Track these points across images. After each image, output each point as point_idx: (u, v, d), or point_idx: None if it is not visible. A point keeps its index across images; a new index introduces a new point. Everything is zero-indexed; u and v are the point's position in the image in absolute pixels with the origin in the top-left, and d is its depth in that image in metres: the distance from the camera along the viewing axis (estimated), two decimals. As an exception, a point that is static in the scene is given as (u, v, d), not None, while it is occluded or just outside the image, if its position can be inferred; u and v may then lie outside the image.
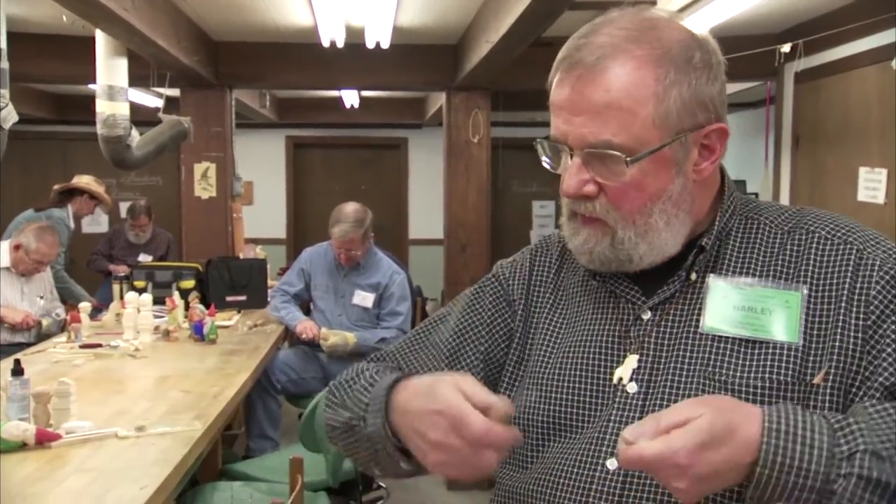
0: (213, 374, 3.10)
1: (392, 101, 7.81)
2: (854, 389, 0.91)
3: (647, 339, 1.00)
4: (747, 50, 4.01)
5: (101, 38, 3.75)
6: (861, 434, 0.82)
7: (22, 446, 2.13)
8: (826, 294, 0.95)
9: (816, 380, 0.92)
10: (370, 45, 4.51)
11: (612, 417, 0.98)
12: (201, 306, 3.88)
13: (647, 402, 0.97)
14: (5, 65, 2.56)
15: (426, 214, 8.42)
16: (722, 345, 0.96)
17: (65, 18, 3.79)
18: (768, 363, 0.93)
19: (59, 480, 1.94)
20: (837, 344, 0.92)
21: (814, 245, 0.98)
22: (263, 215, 8.40)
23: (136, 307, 3.69)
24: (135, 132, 4.07)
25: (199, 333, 3.70)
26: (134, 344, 3.52)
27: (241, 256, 5.08)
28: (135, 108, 4.09)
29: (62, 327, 4.24)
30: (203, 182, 4.93)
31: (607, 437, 0.97)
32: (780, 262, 0.98)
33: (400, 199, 8.91)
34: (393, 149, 8.97)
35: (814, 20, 4.05)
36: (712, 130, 0.97)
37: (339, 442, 1.09)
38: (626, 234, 0.97)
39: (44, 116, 7.16)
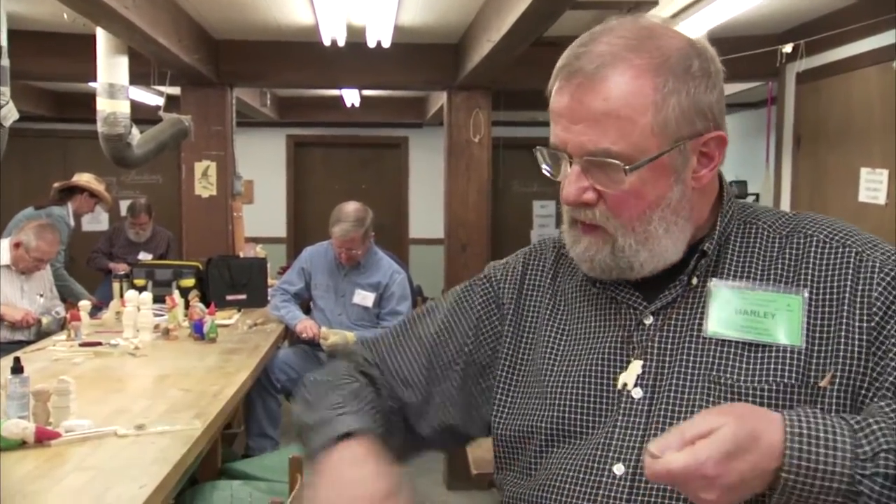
0: (213, 372, 3.10)
1: (393, 101, 7.80)
2: (862, 391, 0.92)
3: (650, 344, 1.00)
4: (749, 50, 4.00)
5: (101, 35, 3.75)
6: (882, 433, 0.82)
7: (21, 444, 2.12)
8: (827, 297, 0.95)
9: (823, 383, 0.92)
10: (371, 44, 4.51)
11: (618, 423, 0.98)
12: (201, 305, 3.87)
13: (653, 408, 0.98)
14: (6, 62, 2.56)
15: (427, 214, 8.42)
16: (725, 349, 0.96)
17: (65, 16, 3.78)
18: (772, 366, 0.94)
19: (59, 479, 1.94)
20: (842, 347, 0.93)
21: (812, 248, 0.99)
22: (264, 214, 8.40)
23: (136, 305, 3.69)
24: (135, 130, 4.07)
25: (198, 332, 3.70)
26: (134, 342, 3.52)
27: (242, 255, 5.08)
28: (135, 107, 4.08)
29: (62, 325, 4.24)
30: (203, 181, 4.93)
31: (614, 442, 0.98)
32: (779, 266, 0.99)
33: (400, 199, 8.90)
34: (393, 148, 8.97)
35: (815, 21, 4.04)
36: (711, 138, 0.97)
37: (299, 433, 1.10)
38: (627, 241, 0.98)
39: (44, 114, 7.15)
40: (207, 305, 3.88)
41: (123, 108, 3.90)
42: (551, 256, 1.15)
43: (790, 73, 4.41)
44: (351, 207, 4.11)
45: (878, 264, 0.95)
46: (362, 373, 1.14)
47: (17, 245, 4.24)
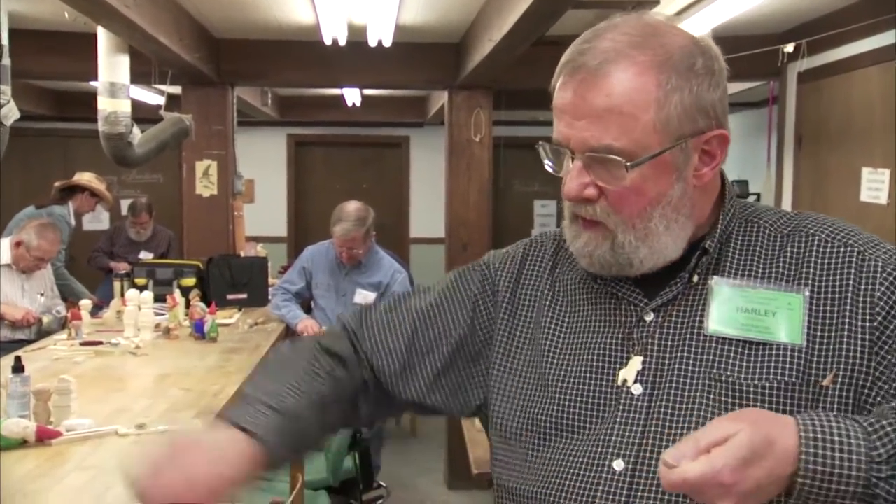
0: (214, 372, 3.10)
1: (394, 100, 7.80)
2: (865, 390, 0.92)
3: (650, 340, 1.00)
4: (750, 50, 4.00)
5: (102, 34, 3.75)
6: None
7: (22, 443, 2.12)
8: (829, 296, 0.96)
9: (825, 382, 0.92)
10: (372, 43, 4.51)
11: (618, 419, 0.99)
12: (202, 304, 3.87)
13: (653, 404, 0.98)
14: (7, 61, 2.56)
15: (427, 213, 8.41)
16: (726, 346, 0.97)
17: (66, 15, 3.78)
18: (773, 365, 0.94)
19: (59, 478, 1.94)
20: (844, 346, 0.93)
21: (814, 248, 0.99)
22: (264, 213, 8.40)
23: (136, 305, 3.69)
24: (136, 129, 4.07)
25: (199, 331, 3.70)
26: (134, 342, 3.52)
27: (242, 254, 5.08)
28: (136, 106, 4.08)
29: (63, 324, 4.24)
30: (204, 180, 4.93)
31: (613, 438, 0.98)
32: (780, 265, 0.99)
33: (401, 198, 8.90)
34: (394, 147, 8.97)
35: (817, 20, 4.04)
36: (713, 136, 0.97)
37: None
38: (627, 237, 0.98)
39: (45, 113, 7.15)
40: (208, 305, 3.88)
41: (124, 108, 3.90)
42: (551, 249, 1.15)
43: (791, 72, 4.41)
44: (352, 207, 4.11)
45: (880, 264, 0.95)
46: (329, 352, 1.15)
47: (18, 244, 4.24)
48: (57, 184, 5.45)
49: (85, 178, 5.49)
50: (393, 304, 1.20)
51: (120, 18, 3.08)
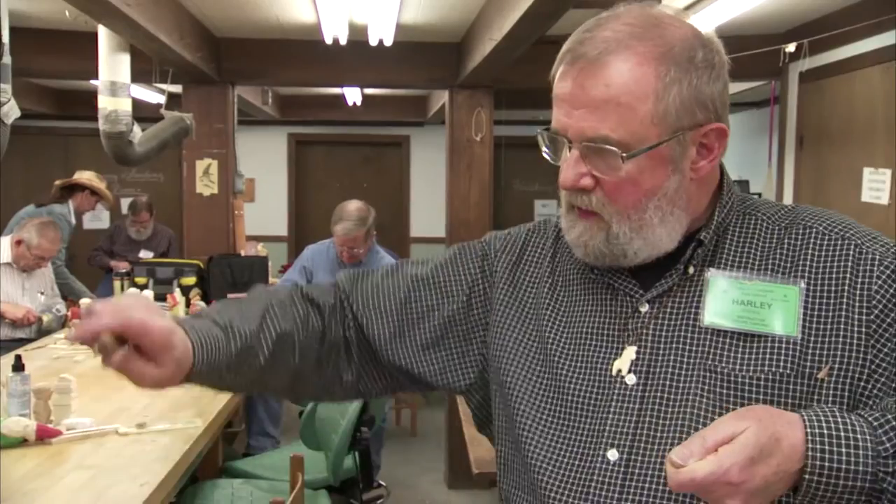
0: (214, 371, 3.09)
1: (394, 99, 7.80)
2: (861, 383, 0.92)
3: (644, 331, 1.00)
4: (752, 49, 4.00)
5: (103, 33, 3.75)
6: None
7: (22, 442, 2.12)
8: (825, 289, 0.96)
9: (821, 375, 0.92)
10: (373, 42, 4.50)
11: (612, 409, 0.99)
12: (202, 303, 3.87)
13: (646, 394, 0.98)
14: (7, 60, 2.55)
15: (428, 213, 8.41)
16: (721, 338, 0.97)
17: (67, 14, 3.78)
18: (767, 356, 0.94)
19: (60, 477, 1.94)
20: (840, 338, 0.93)
21: (811, 240, 0.99)
22: (265, 212, 8.40)
23: (137, 304, 3.68)
24: (137, 128, 4.06)
25: (200, 330, 3.69)
26: (135, 340, 3.51)
27: (243, 254, 5.08)
28: (137, 105, 4.08)
29: (63, 323, 4.24)
30: (205, 179, 4.92)
31: (607, 428, 0.98)
32: (777, 257, 0.99)
33: (402, 197, 8.90)
34: (395, 147, 8.96)
35: (818, 20, 4.04)
36: (711, 130, 0.97)
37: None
38: (621, 228, 0.98)
39: (46, 112, 7.15)
40: (208, 304, 3.87)
41: (125, 106, 3.90)
42: (552, 235, 1.15)
43: (793, 72, 4.40)
44: (353, 206, 4.10)
45: (877, 257, 0.95)
46: (309, 299, 1.15)
47: (18, 242, 4.23)
48: (57, 182, 5.44)
49: (85, 176, 5.49)
50: (390, 271, 1.21)
51: (121, 17, 3.08)
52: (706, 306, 0.98)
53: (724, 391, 0.94)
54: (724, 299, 0.97)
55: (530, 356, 1.08)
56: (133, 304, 0.95)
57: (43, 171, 7.62)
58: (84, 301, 4.07)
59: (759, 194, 5.00)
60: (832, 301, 0.95)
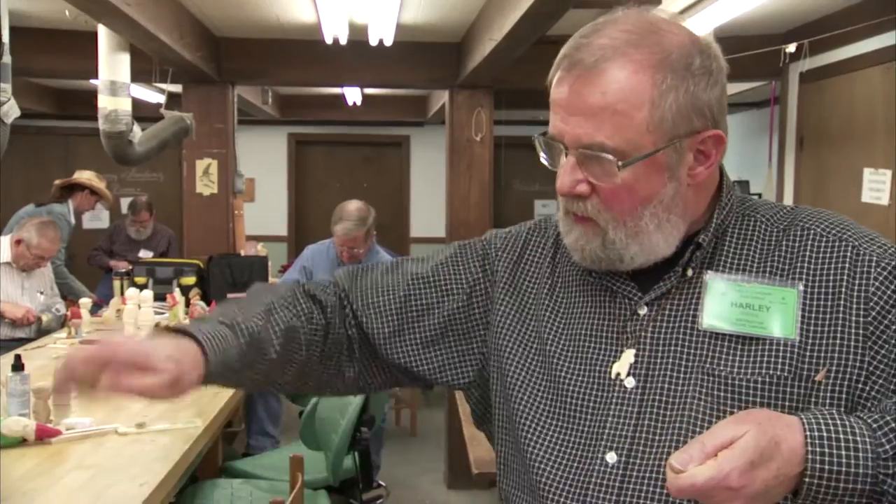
0: (214, 370, 3.09)
1: (394, 99, 7.80)
2: (860, 385, 0.92)
3: (643, 334, 1.00)
4: (752, 50, 4.00)
5: (103, 33, 3.74)
6: None
7: (22, 442, 2.12)
8: (823, 291, 0.95)
9: (818, 377, 0.92)
10: (373, 42, 4.50)
11: (611, 412, 0.99)
12: (202, 303, 3.87)
13: (645, 397, 0.98)
14: (7, 59, 2.55)
15: (428, 213, 8.41)
16: (719, 341, 0.96)
17: (67, 13, 3.78)
18: (765, 359, 0.94)
19: (59, 476, 1.93)
20: (838, 341, 0.93)
21: (809, 242, 0.99)
22: (265, 212, 8.40)
23: (136, 303, 3.69)
24: (137, 128, 4.06)
25: (199, 330, 3.69)
26: (134, 340, 3.51)
27: (243, 253, 5.08)
28: (137, 104, 4.08)
29: (62, 323, 4.23)
30: (204, 178, 4.92)
31: (607, 431, 0.98)
32: (776, 259, 0.99)
33: (402, 197, 8.90)
34: (395, 146, 8.96)
35: (819, 20, 4.04)
36: (708, 137, 0.97)
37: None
38: (618, 235, 0.98)
39: (45, 111, 7.15)
40: (208, 304, 3.88)
41: (125, 106, 3.90)
42: (553, 235, 1.15)
43: (793, 72, 4.40)
44: (353, 206, 4.10)
45: (874, 258, 0.95)
46: (311, 296, 1.15)
47: (18, 242, 4.23)
48: (57, 182, 5.44)
49: (85, 176, 5.49)
50: (390, 268, 1.21)
51: (121, 17, 3.07)
52: (704, 309, 0.98)
53: (722, 394, 0.94)
54: (722, 302, 0.97)
55: (530, 356, 1.08)
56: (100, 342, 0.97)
57: (43, 171, 7.62)
58: (84, 301, 4.06)
59: (760, 195, 5.01)
60: (830, 303, 0.94)
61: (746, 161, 5.95)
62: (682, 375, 0.97)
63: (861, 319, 0.93)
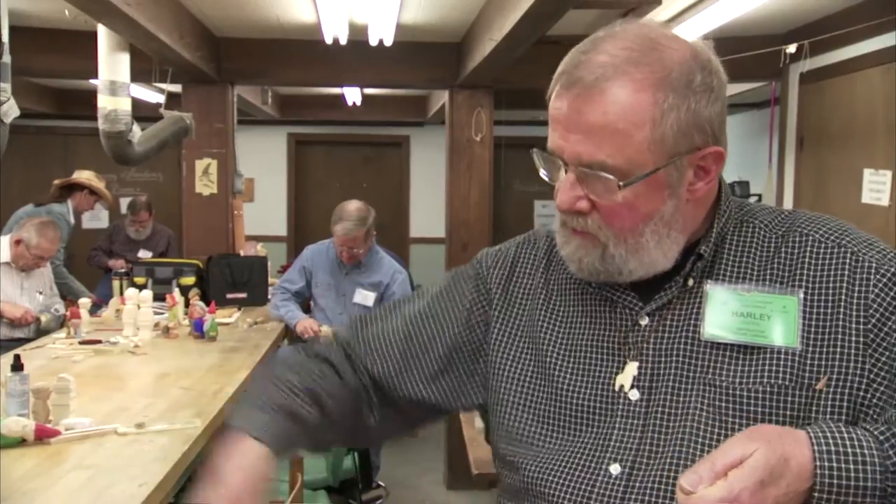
0: (214, 371, 3.09)
1: (394, 99, 7.79)
2: (861, 393, 0.91)
3: (645, 345, 1.00)
4: (752, 50, 4.00)
5: (103, 33, 3.74)
6: None
7: (21, 442, 2.11)
8: (823, 298, 0.95)
9: (819, 386, 0.92)
10: (373, 42, 4.50)
11: (617, 425, 0.99)
12: (201, 303, 3.87)
13: (650, 409, 0.98)
14: (7, 59, 2.55)
15: (427, 213, 8.41)
16: (720, 351, 0.96)
17: (67, 13, 3.78)
18: (766, 368, 0.94)
19: (58, 477, 1.93)
20: (838, 348, 0.92)
21: (808, 249, 0.98)
22: (264, 212, 8.39)
23: (136, 303, 3.68)
24: (136, 128, 4.06)
25: (199, 330, 3.69)
26: (133, 340, 3.51)
27: (242, 253, 5.07)
28: (136, 104, 4.08)
29: (61, 323, 4.23)
30: (204, 178, 4.92)
31: (611, 443, 0.98)
32: (775, 267, 0.99)
33: (401, 198, 8.89)
34: (395, 147, 8.96)
35: (819, 21, 4.04)
36: (709, 153, 0.96)
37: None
38: (618, 250, 0.98)
39: (45, 111, 7.14)
40: (208, 304, 3.87)
41: (125, 106, 3.90)
42: (545, 247, 1.15)
43: (794, 73, 4.40)
44: (353, 206, 4.10)
45: (874, 265, 0.95)
46: (320, 357, 1.16)
47: (17, 242, 4.23)
48: (56, 182, 5.43)
49: (84, 176, 5.48)
50: (386, 312, 1.22)
51: (120, 16, 3.07)
52: (706, 319, 0.98)
53: (724, 405, 0.94)
54: (723, 311, 0.97)
55: (526, 369, 1.08)
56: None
57: (42, 171, 7.61)
58: (83, 301, 4.06)
59: (760, 195, 5.00)
60: (830, 310, 0.94)
61: (746, 161, 5.95)
62: (684, 387, 0.97)
63: (861, 327, 0.92)
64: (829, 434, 0.82)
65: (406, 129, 8.73)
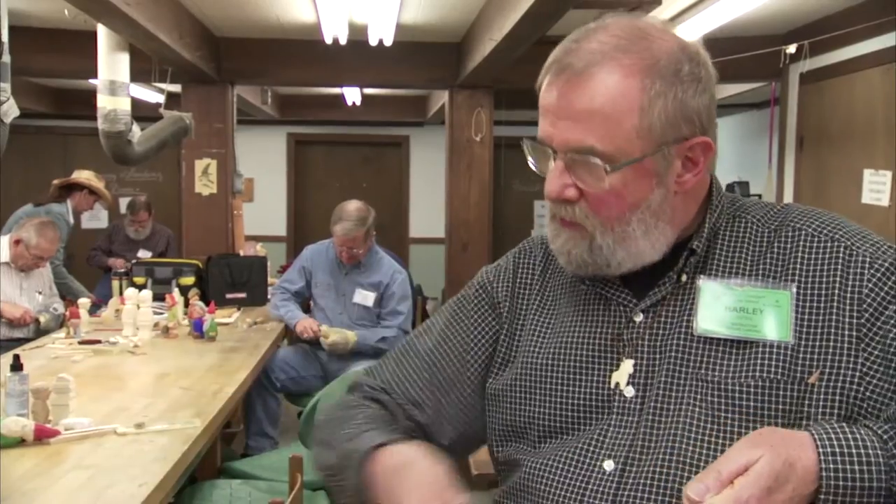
0: (213, 371, 3.08)
1: (394, 99, 7.79)
2: (854, 387, 0.91)
3: (640, 342, 1.00)
4: (752, 51, 4.00)
5: (102, 32, 3.74)
6: None
7: (20, 442, 2.11)
8: (816, 292, 0.95)
9: (811, 380, 0.92)
10: (373, 42, 4.50)
11: (612, 422, 0.99)
12: (201, 303, 3.86)
13: (645, 406, 0.98)
14: (7, 59, 2.55)
15: (427, 213, 8.41)
16: (714, 346, 0.96)
17: (67, 13, 3.78)
18: (759, 363, 0.93)
19: (58, 477, 1.93)
20: (831, 342, 0.92)
21: (800, 243, 0.98)
22: (264, 212, 8.39)
23: (135, 303, 3.68)
24: (136, 128, 4.06)
25: (198, 330, 3.69)
26: (133, 340, 3.51)
27: (242, 253, 5.07)
28: (136, 104, 4.08)
29: (61, 323, 4.23)
30: (204, 178, 4.92)
31: (606, 440, 0.98)
32: (768, 261, 0.99)
33: (401, 198, 8.90)
34: (395, 147, 8.96)
35: (819, 21, 4.04)
36: (696, 144, 0.97)
37: (326, 480, 1.09)
38: (605, 240, 0.98)
39: (45, 111, 7.15)
40: (207, 304, 3.87)
41: (124, 105, 3.90)
42: (540, 253, 1.15)
43: (794, 73, 4.40)
44: (353, 206, 4.10)
45: (867, 258, 0.95)
46: (372, 399, 1.15)
47: (17, 242, 4.22)
48: (56, 182, 5.43)
49: (84, 176, 5.48)
50: (401, 354, 1.19)
51: (120, 16, 3.07)
52: (699, 314, 0.98)
53: (716, 399, 0.94)
54: (716, 306, 0.97)
55: (523, 369, 1.08)
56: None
57: (41, 171, 7.62)
58: (82, 301, 4.06)
59: (760, 196, 5.01)
60: (823, 304, 0.94)
61: (746, 162, 5.95)
62: (677, 383, 0.97)
63: (854, 321, 0.92)
64: (832, 435, 0.82)
65: (406, 129, 8.74)
